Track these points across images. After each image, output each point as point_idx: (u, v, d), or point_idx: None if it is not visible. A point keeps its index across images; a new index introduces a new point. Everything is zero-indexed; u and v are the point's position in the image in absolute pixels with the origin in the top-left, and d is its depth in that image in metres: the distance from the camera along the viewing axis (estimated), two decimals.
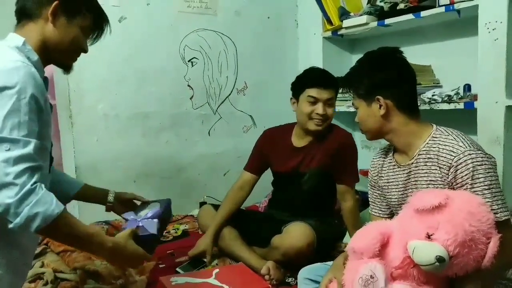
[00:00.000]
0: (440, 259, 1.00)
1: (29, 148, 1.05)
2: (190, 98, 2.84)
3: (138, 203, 1.64)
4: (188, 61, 2.81)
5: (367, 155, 1.97)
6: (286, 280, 1.83)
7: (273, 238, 1.89)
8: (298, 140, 2.05)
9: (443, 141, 1.20)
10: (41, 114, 1.11)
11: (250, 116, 3.06)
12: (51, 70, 1.80)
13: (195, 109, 2.86)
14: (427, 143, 1.23)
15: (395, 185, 1.34)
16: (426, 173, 1.23)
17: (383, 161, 1.40)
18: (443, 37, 2.41)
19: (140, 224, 1.38)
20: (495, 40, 1.90)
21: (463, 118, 2.04)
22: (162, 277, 1.61)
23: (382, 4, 2.51)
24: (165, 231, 2.32)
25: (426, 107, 2.18)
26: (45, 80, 1.24)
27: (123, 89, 2.61)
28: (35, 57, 1.18)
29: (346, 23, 2.64)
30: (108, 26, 1.35)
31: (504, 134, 1.91)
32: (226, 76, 2.95)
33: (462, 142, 1.16)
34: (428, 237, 1.03)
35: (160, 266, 1.93)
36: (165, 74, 2.73)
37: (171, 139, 2.80)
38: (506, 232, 1.08)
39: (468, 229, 1.01)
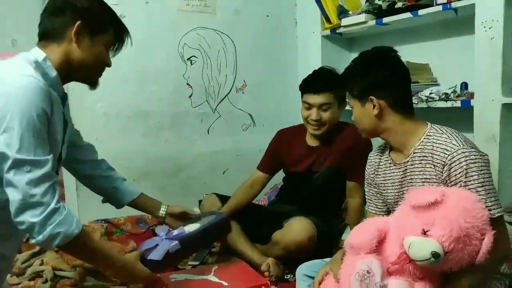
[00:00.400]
0: (435, 255, 1.01)
1: (48, 167, 1.11)
2: (189, 97, 2.85)
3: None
4: (187, 59, 2.82)
5: None
6: (285, 277, 1.85)
7: (274, 233, 1.91)
8: (311, 140, 2.05)
9: (437, 139, 1.21)
10: (50, 127, 1.14)
11: (249, 114, 3.06)
12: None
13: (194, 108, 2.87)
14: (422, 142, 1.25)
15: (391, 183, 1.35)
16: (421, 171, 1.25)
17: (380, 159, 1.41)
18: (440, 36, 2.42)
19: (154, 245, 1.45)
20: (491, 38, 1.91)
21: (460, 116, 2.05)
22: (161, 274, 1.62)
23: (380, 2, 2.52)
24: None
25: (424, 105, 2.19)
26: (64, 96, 1.27)
27: (122, 88, 2.62)
28: (53, 73, 1.20)
29: (345, 21, 2.65)
30: (128, 37, 1.36)
31: (500, 132, 1.92)
32: (225, 75, 2.96)
33: (456, 140, 1.17)
34: (424, 233, 1.05)
35: None
36: (164, 72, 2.74)
37: (171, 137, 2.81)
38: (500, 228, 1.10)
39: (463, 225, 1.03)
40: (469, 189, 1.12)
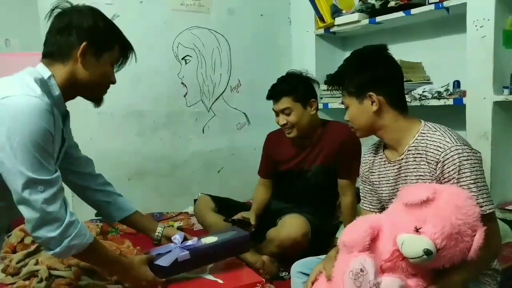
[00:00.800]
0: (427, 252, 1.02)
1: (59, 184, 1.17)
2: (184, 96, 2.86)
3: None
4: (182, 59, 2.82)
5: None
6: (280, 275, 1.86)
7: (268, 231, 1.92)
8: (300, 139, 2.07)
9: (430, 137, 1.22)
10: (53, 143, 1.18)
11: (244, 113, 3.07)
12: None
13: (189, 107, 2.88)
14: (416, 139, 1.26)
15: (386, 180, 1.36)
16: (415, 168, 1.25)
17: (374, 157, 1.42)
18: (432, 35, 2.45)
19: (166, 251, 1.48)
20: (482, 37, 1.94)
21: (453, 114, 2.07)
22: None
23: (373, 1, 2.54)
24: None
25: (417, 103, 2.21)
26: (66, 113, 1.29)
27: (117, 87, 2.57)
28: (56, 92, 1.21)
29: (338, 20, 2.67)
30: (133, 53, 1.39)
31: (492, 130, 1.94)
32: (219, 74, 2.97)
33: (449, 137, 1.19)
34: (417, 230, 1.05)
35: None
36: (159, 72, 2.74)
37: (165, 136, 2.81)
38: (491, 224, 1.11)
39: (455, 222, 1.03)
40: (461, 185, 1.13)
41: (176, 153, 2.86)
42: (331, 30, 2.79)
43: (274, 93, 2.03)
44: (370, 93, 1.27)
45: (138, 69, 2.65)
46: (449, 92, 2.16)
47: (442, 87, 2.19)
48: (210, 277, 1.50)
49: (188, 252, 1.46)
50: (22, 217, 1.18)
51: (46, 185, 1.13)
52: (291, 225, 1.86)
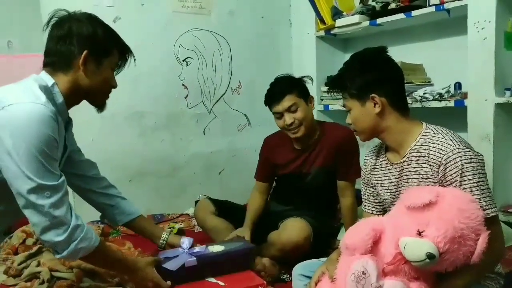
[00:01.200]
0: (430, 256, 1.01)
1: (64, 189, 1.19)
2: (185, 98, 2.86)
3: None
4: (183, 60, 2.82)
5: None
6: (281, 277, 1.85)
7: (270, 234, 1.92)
8: (297, 143, 2.07)
9: (432, 139, 1.22)
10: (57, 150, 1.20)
11: (245, 115, 3.07)
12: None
13: (190, 109, 2.88)
14: (418, 141, 1.25)
15: (387, 183, 1.36)
16: (417, 171, 1.25)
17: (376, 159, 1.42)
18: (433, 36, 2.45)
19: (174, 255, 1.51)
20: (484, 39, 1.94)
21: (454, 116, 2.07)
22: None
23: (374, 3, 2.54)
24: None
25: (418, 105, 2.21)
26: (68, 120, 1.31)
27: (118, 88, 2.58)
28: (60, 99, 1.23)
29: (339, 22, 2.67)
30: (131, 56, 1.39)
31: (494, 131, 1.94)
32: (220, 76, 2.97)
33: (451, 140, 1.18)
34: (419, 233, 1.04)
35: None
36: (160, 73, 2.74)
37: (166, 138, 2.82)
38: (494, 227, 1.10)
39: (458, 225, 1.02)
40: (464, 188, 1.13)
41: (177, 155, 2.86)
42: (332, 32, 2.79)
43: (275, 94, 1.99)
44: (373, 94, 1.26)
45: (139, 70, 2.67)
46: (450, 94, 2.17)
47: (443, 88, 2.19)
48: (212, 279, 1.51)
49: (195, 258, 1.48)
50: (23, 219, 1.18)
51: (53, 191, 1.15)
52: (293, 229, 1.85)
